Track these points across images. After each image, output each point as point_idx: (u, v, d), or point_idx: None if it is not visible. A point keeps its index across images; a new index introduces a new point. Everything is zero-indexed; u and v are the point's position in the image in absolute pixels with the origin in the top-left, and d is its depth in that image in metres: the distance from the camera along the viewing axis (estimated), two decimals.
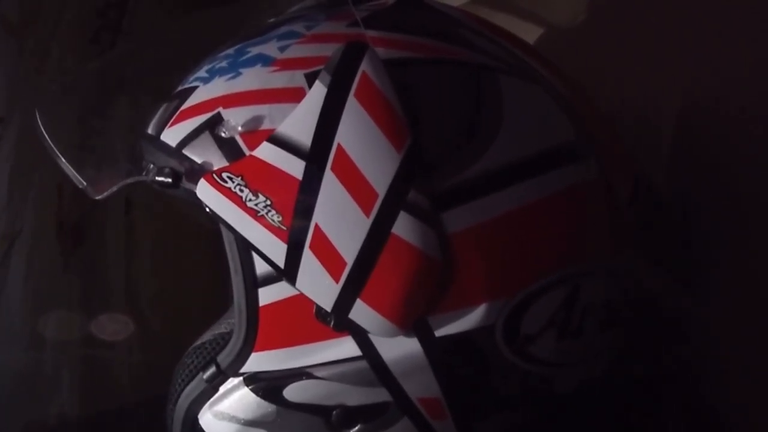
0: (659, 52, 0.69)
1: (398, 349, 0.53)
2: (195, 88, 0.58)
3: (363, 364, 0.53)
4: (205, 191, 0.53)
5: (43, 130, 0.63)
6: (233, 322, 0.56)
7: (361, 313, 0.51)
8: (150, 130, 0.60)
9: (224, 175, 0.53)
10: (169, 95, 0.64)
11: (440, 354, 0.53)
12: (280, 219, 0.52)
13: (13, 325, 0.87)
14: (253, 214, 0.52)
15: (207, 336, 0.61)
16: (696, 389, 0.66)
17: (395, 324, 0.51)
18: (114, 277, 0.94)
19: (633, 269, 0.58)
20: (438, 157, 0.52)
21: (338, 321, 0.52)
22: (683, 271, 0.66)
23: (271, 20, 0.62)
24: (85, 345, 0.89)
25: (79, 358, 0.89)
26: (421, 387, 0.54)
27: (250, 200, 0.52)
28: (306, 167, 0.51)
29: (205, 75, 0.58)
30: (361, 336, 0.53)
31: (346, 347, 0.53)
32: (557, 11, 0.77)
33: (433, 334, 0.52)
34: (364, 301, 0.51)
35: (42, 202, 0.87)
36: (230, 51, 0.59)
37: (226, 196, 0.53)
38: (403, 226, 0.50)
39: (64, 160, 0.61)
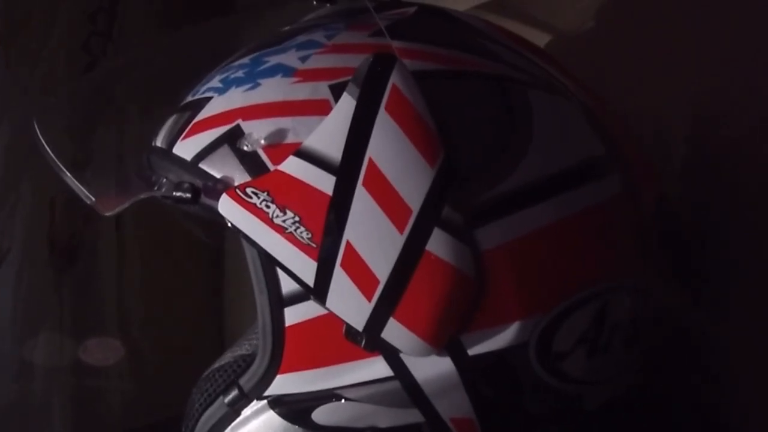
0: (669, 59, 0.70)
1: (431, 368, 0.52)
2: (209, 99, 0.57)
3: (395, 384, 0.53)
4: (227, 207, 0.52)
5: (44, 143, 0.61)
6: (255, 343, 0.56)
7: (393, 332, 0.51)
8: (160, 143, 0.59)
9: (248, 190, 0.52)
10: (172, 106, 0.64)
11: (473, 373, 0.52)
12: (310, 236, 0.51)
13: (1, 352, 0.85)
14: (281, 231, 0.51)
15: (226, 358, 0.60)
16: (709, 404, 0.67)
17: (428, 343, 0.51)
18: (105, 298, 0.92)
19: (656, 285, 0.59)
20: (470, 172, 0.51)
21: (370, 341, 0.51)
22: (695, 286, 0.67)
23: (285, 29, 0.61)
24: (76, 372, 0.87)
25: (70, 385, 0.86)
26: (454, 407, 0.53)
27: (277, 216, 0.51)
28: (336, 182, 0.50)
29: (220, 85, 0.57)
30: (392, 356, 0.52)
31: (376, 367, 0.53)
32: (564, 18, 0.77)
33: (466, 353, 0.52)
34: (397, 319, 0.50)
35: (33, 218, 0.85)
36: (245, 60, 0.58)
37: (252, 212, 0.52)
38: (437, 243, 0.50)
39: (69, 174, 0.60)
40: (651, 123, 0.69)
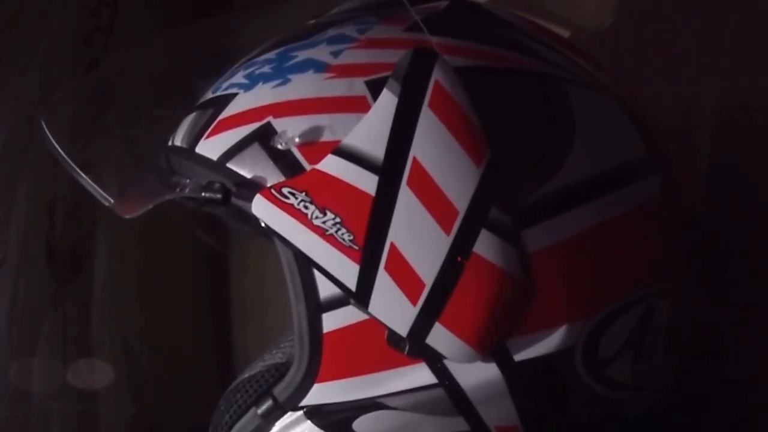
0: (694, 55, 0.69)
1: (476, 375, 0.51)
2: (234, 95, 0.56)
3: (439, 392, 0.52)
4: (262, 208, 0.51)
5: (55, 144, 0.59)
6: (289, 350, 0.54)
7: (438, 337, 0.50)
8: (180, 142, 0.58)
9: (285, 190, 0.51)
10: (187, 103, 0.62)
11: (519, 379, 0.51)
12: (352, 238, 0.50)
13: None
14: (321, 232, 0.50)
15: (257, 367, 0.58)
16: (741, 409, 0.67)
17: (475, 348, 0.50)
18: (106, 312, 0.90)
19: (694, 288, 0.59)
20: (515, 172, 0.51)
21: (414, 347, 0.50)
22: (720, 290, 0.67)
23: (311, 22, 0.60)
24: (75, 394, 0.84)
25: (69, 406, 0.84)
26: (500, 414, 0.52)
27: (317, 218, 0.50)
28: (379, 182, 0.49)
29: (245, 81, 0.56)
30: (436, 362, 0.51)
31: (420, 375, 0.51)
32: (584, 11, 0.76)
33: (512, 359, 0.51)
34: (443, 324, 0.49)
35: (29, 223, 0.82)
36: (270, 55, 0.56)
37: (289, 214, 0.50)
38: (485, 245, 0.49)
39: (85, 176, 0.58)
40: (676, 121, 0.69)
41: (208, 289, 1.07)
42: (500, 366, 0.51)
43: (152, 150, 0.63)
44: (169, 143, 0.60)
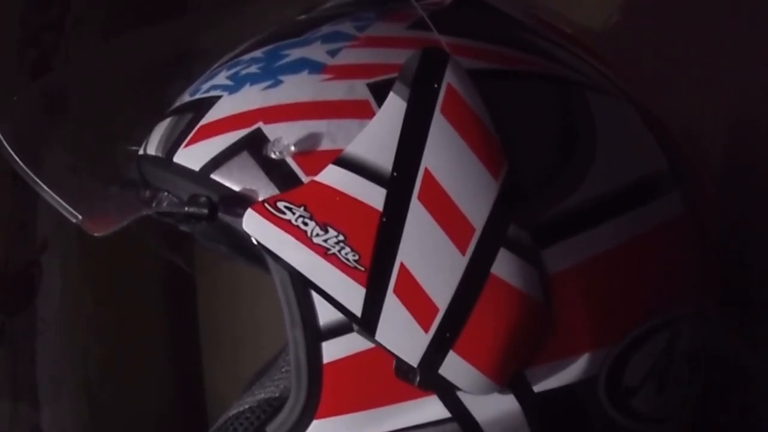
0: (706, 58, 0.67)
1: (492, 407, 0.48)
2: (216, 98, 0.52)
3: (452, 427, 0.48)
4: (254, 224, 0.47)
5: (12, 153, 0.55)
6: (283, 384, 0.51)
7: (452, 367, 0.46)
8: (154, 151, 0.54)
9: (281, 204, 0.47)
10: (158, 108, 0.59)
11: (539, 412, 0.48)
12: (357, 258, 0.46)
13: None
14: (322, 252, 0.46)
15: (247, 402, 0.55)
16: None
17: (492, 379, 0.47)
18: (57, 343, 0.85)
19: (717, 311, 0.57)
20: (534, 185, 0.48)
21: (425, 378, 0.47)
22: (740, 312, 0.66)
23: (301, 17, 0.56)
24: None
25: None
26: None
27: (318, 235, 0.47)
28: (387, 196, 0.46)
29: (229, 82, 0.53)
30: (449, 394, 0.48)
31: (431, 408, 0.48)
32: (585, 10, 0.72)
33: (531, 390, 0.48)
34: (458, 353, 0.46)
35: None
36: (257, 54, 0.53)
37: (285, 231, 0.47)
38: (503, 265, 0.46)
39: (48, 189, 0.54)
40: (686, 128, 0.67)
41: (173, 315, 1.03)
42: (518, 398, 0.48)
43: (121, 160, 0.60)
44: (141, 152, 0.56)
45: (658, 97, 0.58)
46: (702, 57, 0.67)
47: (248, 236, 0.48)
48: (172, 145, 0.53)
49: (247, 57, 0.53)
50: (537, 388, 0.48)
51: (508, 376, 0.47)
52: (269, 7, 0.65)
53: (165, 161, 0.53)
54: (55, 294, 0.88)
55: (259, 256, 0.56)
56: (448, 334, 0.46)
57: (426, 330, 0.46)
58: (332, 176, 0.47)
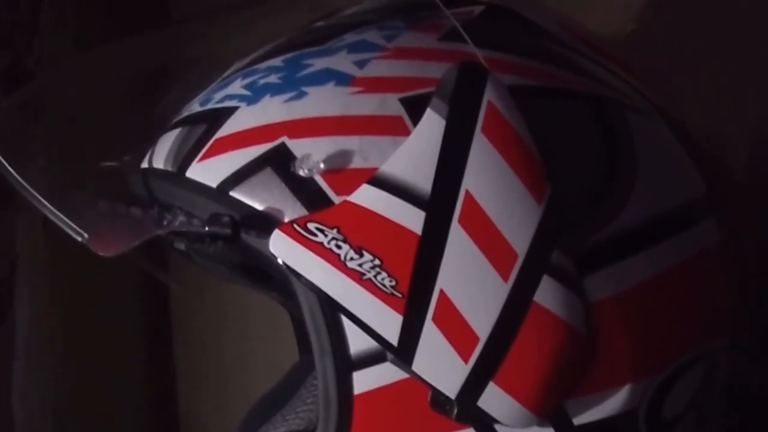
0: (726, 67, 0.66)
1: None
2: (233, 109, 0.50)
3: None
4: (283, 246, 0.46)
5: (11, 170, 0.53)
6: (309, 415, 0.49)
7: (492, 399, 0.45)
8: (162, 164, 0.52)
9: (311, 226, 0.46)
10: (161, 118, 0.56)
11: None
12: (394, 284, 0.45)
13: None
14: (357, 277, 0.45)
15: None
16: None
17: (533, 412, 0.45)
18: (25, 371, 0.81)
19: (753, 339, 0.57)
20: (577, 210, 0.47)
21: (463, 410, 0.45)
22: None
23: (319, 24, 0.55)
24: None
25: None
26: None
27: (352, 259, 0.45)
28: (426, 218, 0.45)
29: (246, 92, 0.51)
30: (487, 427, 0.46)
31: None
32: (598, 18, 0.70)
33: (571, 422, 0.47)
34: (498, 384, 0.45)
35: None
36: (275, 62, 0.52)
37: (317, 254, 0.45)
38: (547, 293, 0.45)
39: (51, 207, 0.52)
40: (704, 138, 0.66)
41: (147, 340, 1.00)
42: (558, 431, 0.47)
43: (123, 173, 0.58)
44: (145, 165, 0.54)
45: (676, 109, 0.58)
46: (722, 67, 0.67)
47: (274, 258, 0.47)
48: (185, 158, 0.51)
49: (264, 65, 0.52)
50: (577, 420, 0.47)
51: (549, 409, 0.46)
52: (257, 17, 0.64)
53: (176, 176, 0.51)
54: (24, 318, 0.85)
55: (275, 279, 0.55)
56: (488, 365, 0.45)
57: (465, 360, 0.45)
58: (367, 196, 0.46)
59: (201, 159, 0.50)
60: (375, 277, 0.45)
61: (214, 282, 0.88)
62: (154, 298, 0.98)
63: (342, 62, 0.50)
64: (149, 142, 0.57)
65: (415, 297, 0.45)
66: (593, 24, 0.68)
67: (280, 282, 0.52)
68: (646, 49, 0.70)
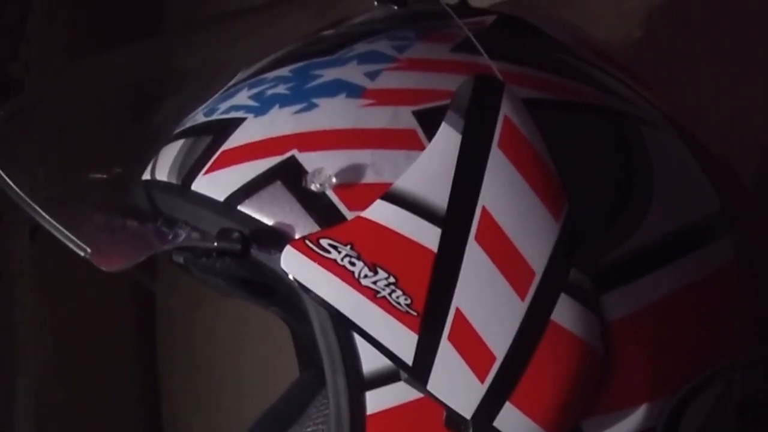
0: (737, 74, 0.66)
1: None
2: (240, 120, 0.50)
3: None
4: (294, 263, 0.45)
5: (11, 183, 0.51)
6: None
7: (508, 419, 0.45)
8: (166, 177, 0.51)
9: (324, 242, 0.45)
10: (159, 129, 0.55)
11: None
12: (409, 302, 0.44)
13: None
14: (371, 295, 0.44)
15: None
16: None
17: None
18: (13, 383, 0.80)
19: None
20: (594, 227, 0.46)
21: (478, 431, 0.45)
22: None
23: (328, 32, 0.54)
24: None
25: None
26: None
27: (366, 277, 0.44)
28: (443, 235, 0.44)
29: (252, 103, 0.50)
30: None
31: None
32: (607, 24, 0.72)
33: None
34: (514, 404, 0.44)
35: None
36: (283, 72, 0.51)
37: (330, 271, 0.45)
38: (564, 312, 0.44)
39: (53, 221, 0.51)
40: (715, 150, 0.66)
41: (138, 343, 0.99)
42: None
43: (118, 185, 0.57)
44: (147, 177, 0.53)
45: (684, 117, 0.58)
46: (729, 73, 0.66)
47: (285, 275, 0.46)
48: (190, 170, 0.50)
49: (271, 75, 0.51)
50: None
51: (565, 430, 0.46)
52: (248, 27, 0.63)
53: (181, 189, 0.50)
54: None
55: (278, 294, 0.54)
56: (505, 384, 0.44)
57: (482, 380, 0.44)
58: (381, 212, 0.45)
59: (207, 171, 0.49)
60: (389, 295, 0.44)
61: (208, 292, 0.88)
62: (144, 302, 0.97)
63: (353, 73, 0.49)
64: (148, 152, 0.56)
65: (431, 315, 0.44)
66: (599, 31, 0.68)
67: (285, 298, 0.51)
68: (653, 56, 0.69)
